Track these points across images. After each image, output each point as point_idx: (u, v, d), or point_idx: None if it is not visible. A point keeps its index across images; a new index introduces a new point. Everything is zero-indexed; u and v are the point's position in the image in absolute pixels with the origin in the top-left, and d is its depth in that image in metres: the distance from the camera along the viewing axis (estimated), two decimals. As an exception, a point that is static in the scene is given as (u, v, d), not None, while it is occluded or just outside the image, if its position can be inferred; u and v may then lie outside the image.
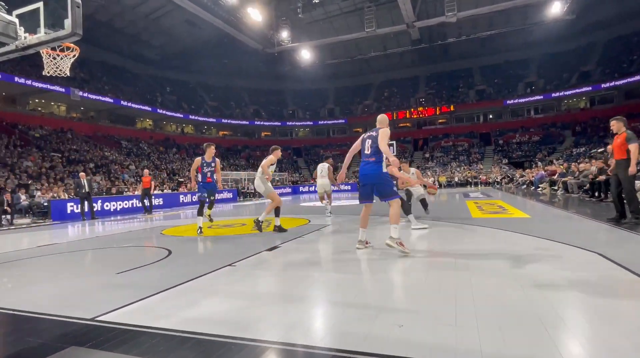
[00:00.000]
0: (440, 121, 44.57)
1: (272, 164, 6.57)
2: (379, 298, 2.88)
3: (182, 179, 26.90)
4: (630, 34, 36.27)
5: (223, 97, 46.28)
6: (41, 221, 13.07)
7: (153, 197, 17.79)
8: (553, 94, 38.40)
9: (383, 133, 4.45)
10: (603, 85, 35.39)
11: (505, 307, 2.49)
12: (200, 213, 7.09)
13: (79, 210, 13.01)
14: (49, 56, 5.64)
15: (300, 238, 6.07)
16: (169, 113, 37.93)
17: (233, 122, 44.24)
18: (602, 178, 10.52)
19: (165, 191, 21.80)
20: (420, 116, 43.58)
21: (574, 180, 13.44)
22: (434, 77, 47.62)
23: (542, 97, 39.04)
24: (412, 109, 43.83)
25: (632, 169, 5.79)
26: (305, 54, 35.54)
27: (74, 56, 5.92)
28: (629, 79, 33.42)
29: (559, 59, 40.87)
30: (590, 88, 36.41)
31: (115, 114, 34.56)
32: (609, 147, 12.02)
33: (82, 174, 13.59)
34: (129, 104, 33.46)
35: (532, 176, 20.84)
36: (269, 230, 6.91)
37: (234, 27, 32.61)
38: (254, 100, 48.62)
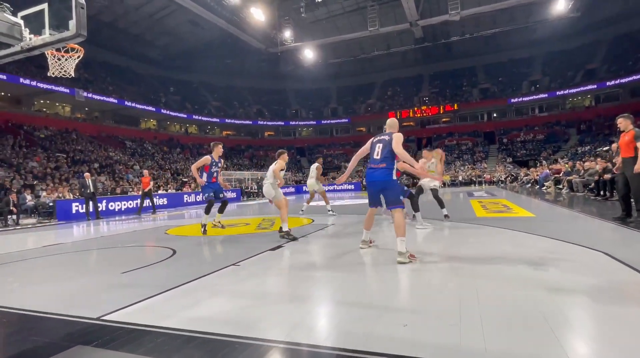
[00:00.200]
0: (444, 119, 44.41)
1: (282, 170, 6.35)
2: (383, 297, 2.88)
3: (186, 179, 26.97)
4: (636, 31, 35.91)
5: (226, 97, 46.37)
6: (46, 221, 13.15)
7: (156, 197, 17.84)
8: (558, 92, 38.15)
9: (398, 138, 4.26)
10: (608, 83, 35.12)
11: (510, 307, 2.47)
12: (207, 211, 6.75)
13: (84, 210, 13.08)
14: (54, 57, 5.67)
15: (303, 237, 6.07)
16: (172, 113, 38.08)
17: (236, 122, 44.32)
18: (607, 176, 10.44)
19: (169, 191, 21.88)
20: (424, 115, 43.43)
21: (579, 179, 13.35)
22: (437, 75, 47.44)
23: (546, 95, 38.80)
24: (415, 108, 43.69)
25: (638, 167, 5.73)
26: (308, 54, 35.52)
27: (79, 56, 5.94)
28: (635, 77, 33.10)
29: (563, 57, 40.60)
30: (595, 86, 36.14)
31: (120, 115, 34.74)
32: (614, 145, 11.93)
33: (86, 174, 13.67)
34: (133, 104, 33.62)
35: (537, 175, 20.72)
36: (274, 229, 6.91)
37: (237, 27, 32.65)
38: (257, 100, 48.68)
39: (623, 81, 34.02)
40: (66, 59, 5.83)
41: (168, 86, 42.42)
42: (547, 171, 19.57)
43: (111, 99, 31.77)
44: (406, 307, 2.63)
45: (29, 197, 14.55)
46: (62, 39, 3.72)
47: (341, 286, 3.27)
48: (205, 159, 6.71)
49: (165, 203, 18.44)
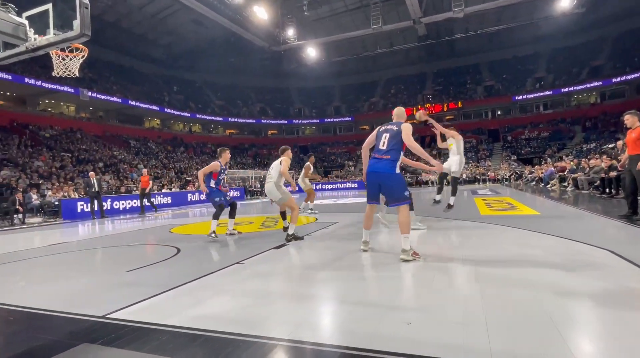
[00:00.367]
0: (447, 117, 44.19)
1: (288, 167, 5.93)
2: (387, 296, 2.87)
3: (189, 178, 27.07)
4: (642, 27, 35.63)
5: (230, 96, 46.44)
6: (52, 220, 13.25)
7: (160, 196, 17.94)
8: (562, 90, 37.89)
9: (407, 129, 3.99)
10: (614, 79, 34.83)
11: (515, 306, 2.46)
12: (217, 217, 6.26)
13: (88, 209, 13.17)
14: (59, 56, 5.70)
15: (307, 235, 6.08)
16: (176, 112, 38.21)
17: (240, 120, 44.39)
18: (613, 174, 10.37)
19: (173, 189, 21.98)
20: (428, 112, 43.10)
21: (585, 176, 13.27)
22: (441, 73, 47.23)
23: (551, 92, 38.55)
24: (419, 106, 43.48)
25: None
26: (311, 52, 35.48)
27: (83, 56, 5.97)
28: (641, 73, 32.85)
29: (568, 53, 40.30)
30: (600, 83, 35.87)
31: (124, 114, 34.91)
32: (619, 143, 11.85)
33: (91, 173, 13.75)
34: (137, 103, 33.77)
35: (542, 173, 20.61)
36: (278, 227, 6.90)
37: (240, 25, 32.67)
38: (261, 98, 48.72)
39: (629, 77, 33.75)
40: (70, 59, 5.86)
41: (172, 85, 42.54)
42: (552, 168, 19.46)
43: (115, 99, 31.92)
44: (410, 306, 2.63)
45: (34, 196, 14.66)
46: (67, 39, 3.74)
47: (345, 284, 3.27)
48: (215, 166, 6.41)
49: (170, 201, 18.53)
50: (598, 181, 11.76)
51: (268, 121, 46.31)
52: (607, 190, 10.74)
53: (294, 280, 3.48)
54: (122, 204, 15.65)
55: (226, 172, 6.70)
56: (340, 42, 35.93)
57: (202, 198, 20.40)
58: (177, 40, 38.74)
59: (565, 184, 15.46)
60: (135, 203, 15.78)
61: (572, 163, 17.02)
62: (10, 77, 24.40)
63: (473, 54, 44.64)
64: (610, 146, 22.30)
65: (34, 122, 26.59)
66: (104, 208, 13.52)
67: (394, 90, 47.87)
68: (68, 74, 5.92)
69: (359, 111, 47.02)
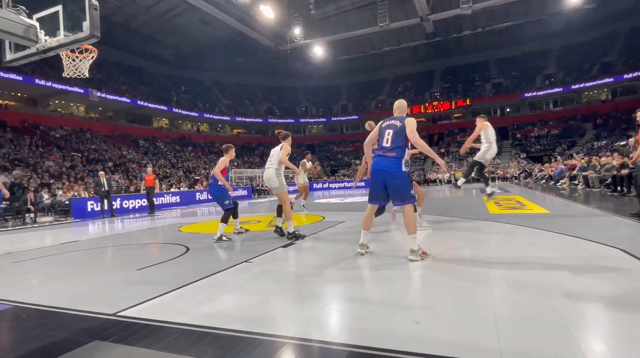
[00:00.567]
0: (455, 115, 43.91)
1: (288, 154, 5.74)
2: (395, 295, 2.87)
3: (197, 177, 27.26)
4: (654, 22, 34.98)
5: (237, 95, 46.65)
6: (63, 219, 13.43)
7: (169, 195, 18.06)
8: (573, 86, 37.36)
9: (411, 124, 3.83)
10: (625, 76, 34.24)
11: (525, 305, 2.44)
12: (227, 220, 6.07)
13: (98, 208, 13.32)
14: (69, 57, 5.77)
15: (314, 234, 6.09)
16: (184, 112, 38.52)
17: (247, 120, 44.58)
18: (624, 171, 10.20)
19: (181, 189, 22.14)
20: (435, 110, 42.98)
21: (595, 174, 13.08)
22: (449, 70, 46.89)
23: (561, 89, 38.04)
24: (426, 104, 43.26)
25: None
26: (318, 51, 35.46)
27: (92, 57, 6.04)
28: (653, 69, 32.26)
29: (579, 49, 39.72)
30: (612, 79, 35.30)
31: (133, 114, 35.28)
32: (631, 140, 11.66)
33: (101, 173, 13.90)
34: (146, 103, 34.10)
35: (552, 171, 20.36)
36: (285, 226, 6.88)
37: (246, 25, 32.78)
38: (267, 97, 48.86)
39: (641, 73, 33.15)
40: (80, 60, 5.93)
41: (179, 85, 42.87)
42: (562, 166, 19.22)
43: (124, 99, 32.26)
44: (418, 304, 2.62)
45: (45, 196, 14.87)
46: (77, 40, 3.79)
47: (352, 283, 3.27)
48: (226, 162, 6.23)
49: (178, 200, 18.67)
50: (609, 179, 11.58)
51: (275, 120, 46.42)
52: (619, 188, 10.57)
53: (302, 279, 3.48)
54: (132, 203, 15.81)
55: (231, 170, 6.60)
56: (347, 40, 35.83)
57: (209, 198, 20.50)
58: (184, 40, 39.02)
59: (576, 182, 15.25)
60: (144, 202, 15.94)
61: (582, 161, 16.79)
62: (21, 79, 24.79)
63: (481, 50, 44.24)
64: (622, 143, 21.93)
65: (44, 123, 26.99)
66: (114, 207, 13.67)
67: (402, 88, 47.64)
68: (78, 75, 5.99)
69: (366, 110, 46.87)
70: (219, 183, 6.15)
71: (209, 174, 6.37)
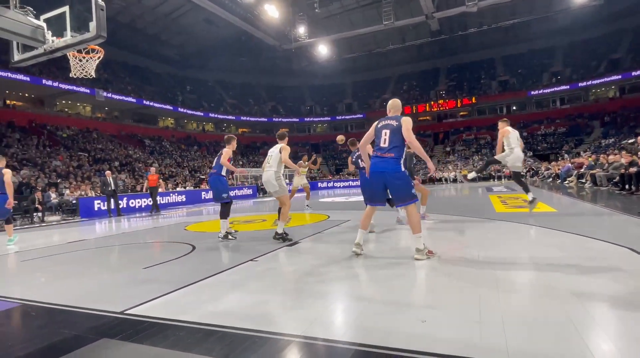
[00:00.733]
0: (461, 113, 43.62)
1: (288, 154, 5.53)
2: (401, 294, 2.86)
3: (203, 176, 27.37)
4: (662, 19, 34.47)
5: (241, 94, 46.72)
6: (70, 218, 13.56)
7: (175, 194, 18.13)
8: (580, 84, 36.93)
9: (407, 123, 3.79)
10: (634, 73, 33.73)
11: (532, 304, 2.43)
12: (226, 216, 5.98)
13: (105, 207, 13.44)
14: (75, 58, 5.82)
15: (320, 233, 6.09)
16: (189, 112, 38.67)
17: (252, 119, 44.65)
18: (633, 170, 10.09)
19: (187, 188, 22.25)
20: (441, 108, 42.72)
21: (603, 172, 12.95)
22: (454, 68, 46.57)
23: (568, 87, 37.61)
24: (432, 102, 43.00)
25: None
26: (323, 49, 35.38)
27: (99, 57, 6.08)
28: (662, 66, 31.82)
29: (586, 46, 39.26)
30: (619, 76, 34.82)
31: (138, 114, 35.48)
32: (639, 138, 11.53)
33: (108, 172, 14.02)
34: (151, 103, 34.28)
35: (558, 169, 20.19)
36: (290, 225, 6.90)
37: (251, 24, 32.79)
38: (272, 97, 48.89)
39: (650, 70, 32.70)
40: (87, 60, 5.98)
41: (185, 84, 43.04)
42: (569, 164, 19.04)
43: (130, 99, 32.45)
44: (424, 303, 2.61)
45: (53, 195, 15.01)
46: (83, 41, 3.82)
47: (358, 282, 3.27)
48: (229, 153, 6.03)
49: (184, 199, 18.77)
50: (617, 178, 11.46)
51: (280, 119, 46.40)
52: (627, 186, 10.46)
53: (307, 277, 3.49)
54: (138, 202, 15.91)
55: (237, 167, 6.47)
56: (351, 38, 35.70)
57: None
58: (189, 40, 39.15)
59: (583, 180, 15.11)
60: (150, 201, 16.04)
61: (590, 159, 16.62)
62: (28, 79, 25.00)
63: (487, 48, 43.85)
64: (630, 141, 21.66)
65: (51, 123, 27.21)
66: (120, 206, 13.77)
67: (407, 86, 47.42)
68: (84, 75, 6.04)
69: (371, 108, 46.69)
70: (222, 173, 6.06)
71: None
